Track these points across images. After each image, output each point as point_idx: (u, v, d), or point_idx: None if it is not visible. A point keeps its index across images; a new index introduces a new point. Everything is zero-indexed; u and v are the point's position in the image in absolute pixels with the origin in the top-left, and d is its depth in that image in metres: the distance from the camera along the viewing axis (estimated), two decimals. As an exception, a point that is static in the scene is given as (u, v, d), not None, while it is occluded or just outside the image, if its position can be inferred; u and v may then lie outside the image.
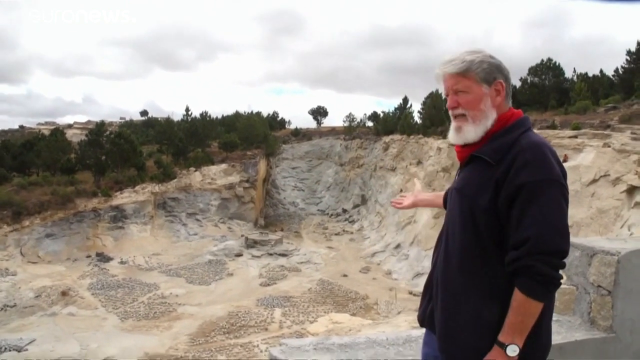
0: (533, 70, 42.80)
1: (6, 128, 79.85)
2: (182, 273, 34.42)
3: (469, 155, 1.72)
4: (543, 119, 33.50)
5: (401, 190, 39.56)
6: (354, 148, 62.80)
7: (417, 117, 49.96)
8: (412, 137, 45.41)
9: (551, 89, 41.16)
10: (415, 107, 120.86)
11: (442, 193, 2.28)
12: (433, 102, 42.92)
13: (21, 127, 79.60)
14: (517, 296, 1.52)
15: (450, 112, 1.78)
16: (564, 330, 2.31)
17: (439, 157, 37.22)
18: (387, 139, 52.60)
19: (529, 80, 42.69)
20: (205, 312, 27.47)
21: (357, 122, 74.34)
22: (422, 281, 16.05)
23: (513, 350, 1.51)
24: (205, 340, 24.05)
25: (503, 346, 1.52)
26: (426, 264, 30.17)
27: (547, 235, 1.50)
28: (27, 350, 21.36)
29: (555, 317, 2.58)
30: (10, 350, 21.30)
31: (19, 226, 34.05)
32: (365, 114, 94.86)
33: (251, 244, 41.96)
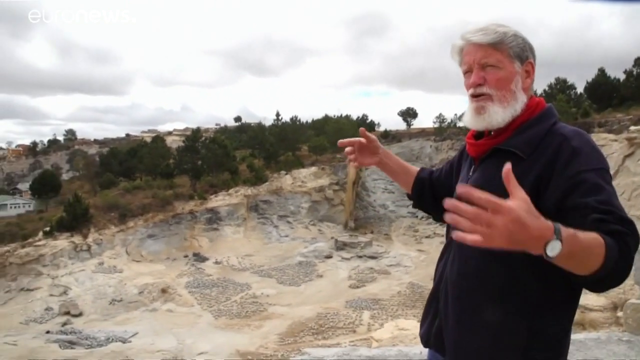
0: None
1: (114, 136, 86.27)
2: (273, 274, 35.21)
3: (492, 148, 1.46)
4: (653, 114, 30.81)
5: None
6: (444, 149, 61.18)
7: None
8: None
9: (662, 81, 37.75)
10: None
11: (413, 169, 1.96)
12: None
13: (127, 135, 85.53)
14: (598, 237, 1.16)
15: (470, 91, 1.49)
16: (634, 354, 2.02)
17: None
18: (479, 139, 50.78)
19: (634, 72, 39.30)
20: (295, 312, 27.91)
21: (448, 123, 72.53)
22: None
23: (552, 249, 1.08)
24: (294, 340, 24.44)
25: (557, 231, 1.08)
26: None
27: (626, 217, 1.23)
28: (130, 342, 22.83)
29: (626, 336, 2.25)
30: (116, 341, 22.88)
31: (124, 227, 36.57)
32: (455, 114, 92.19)
33: (341, 246, 42.14)
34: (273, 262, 37.94)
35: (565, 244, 1.08)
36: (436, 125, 72.23)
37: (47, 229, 35.05)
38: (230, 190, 43.80)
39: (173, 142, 64.30)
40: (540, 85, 40.65)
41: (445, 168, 1.89)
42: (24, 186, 64.61)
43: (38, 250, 32.82)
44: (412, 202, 2.00)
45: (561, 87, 40.18)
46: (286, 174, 48.44)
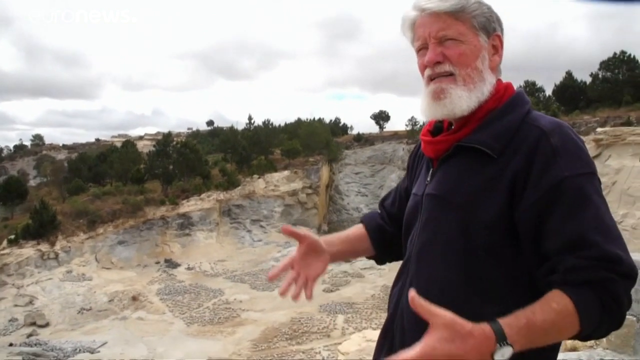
0: (605, 65, 40.14)
1: (84, 141, 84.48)
2: (247, 279, 34.93)
3: (453, 146, 1.19)
4: (617, 116, 31.68)
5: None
6: (418, 154, 61.85)
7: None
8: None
9: (625, 84, 38.67)
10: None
11: (360, 231, 1.53)
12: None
13: (97, 140, 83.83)
14: (565, 302, 0.98)
15: (426, 72, 1.22)
16: (620, 373, 1.89)
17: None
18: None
19: (600, 75, 40.26)
20: (268, 318, 27.70)
21: (420, 126, 73.15)
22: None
23: (502, 355, 0.92)
24: (267, 346, 24.23)
25: (500, 336, 0.92)
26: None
27: (615, 245, 1.01)
28: (99, 352, 22.35)
29: (610, 355, 2.13)
30: (84, 352, 22.34)
31: (94, 234, 35.79)
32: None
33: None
34: (246, 267, 37.64)
35: (517, 343, 0.93)
36: (408, 128, 72.81)
37: (12, 236, 34.02)
38: (203, 195, 43.31)
39: (144, 146, 63.35)
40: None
41: (399, 196, 1.52)
42: (-11, 193, 62.80)
43: (2, 259, 31.84)
44: (381, 262, 1.59)
45: (530, 89, 41.09)
46: (259, 178, 48.18)
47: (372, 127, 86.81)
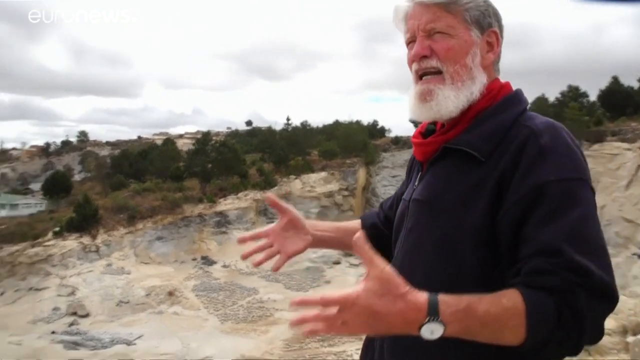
0: (656, 70, 38.98)
1: (126, 138, 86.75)
2: (281, 279, 35.08)
3: (441, 147, 1.12)
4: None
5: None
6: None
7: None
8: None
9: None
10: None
11: (355, 225, 1.50)
12: (538, 108, 40.49)
13: (139, 137, 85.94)
14: (516, 301, 0.89)
15: (413, 67, 1.16)
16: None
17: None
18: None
19: (651, 81, 38.92)
20: (301, 318, 27.75)
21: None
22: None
23: (431, 332, 0.86)
24: (299, 347, 24.28)
25: (432, 310, 0.86)
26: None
27: (589, 257, 0.91)
28: (135, 344, 22.83)
29: None
30: (120, 343, 22.88)
31: (133, 229, 36.64)
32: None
33: (349, 252, 41.88)
34: (281, 267, 37.78)
35: (450, 324, 0.86)
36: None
37: (57, 229, 35.21)
38: (240, 194, 43.79)
39: (184, 145, 64.52)
40: (552, 93, 40.30)
41: (396, 199, 1.47)
42: (36, 186, 65.13)
43: (47, 250, 32.97)
44: None
45: (573, 95, 39.81)
46: (296, 178, 48.36)
47: (409, 130, 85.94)
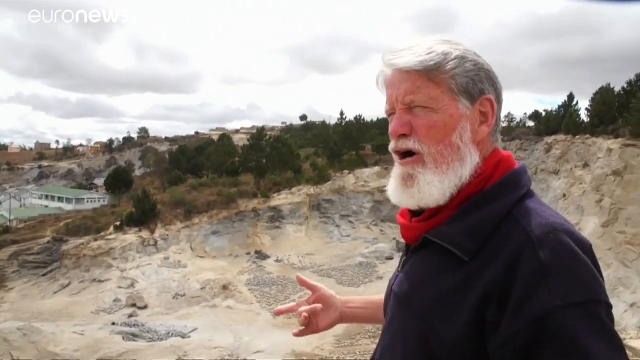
0: None
1: (184, 134, 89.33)
2: (333, 274, 35.10)
3: (421, 236, 0.95)
4: None
5: (564, 196, 36.01)
6: (513, 149, 58.80)
7: (583, 115, 45.23)
8: (578, 137, 41.24)
9: None
10: (582, 103, 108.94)
11: (379, 298, 1.34)
12: (602, 98, 38.53)
13: (196, 133, 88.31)
14: None
15: (392, 144, 0.98)
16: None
17: (609, 159, 33.23)
18: (549, 139, 48.50)
19: None
20: (353, 314, 27.65)
21: (517, 122, 69.90)
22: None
23: None
24: (350, 343, 24.20)
25: None
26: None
27: None
28: (189, 337, 23.35)
29: None
30: (176, 336, 23.47)
31: (190, 223, 37.61)
32: (525, 114, 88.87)
33: (402, 247, 41.28)
34: (334, 262, 37.81)
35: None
36: (504, 125, 69.81)
37: (118, 223, 36.61)
38: (293, 189, 44.10)
39: (240, 140, 65.62)
40: (619, 82, 38.16)
41: None
42: (100, 181, 68.20)
43: (109, 243, 34.33)
44: None
45: (643, 84, 37.53)
46: (349, 173, 48.22)
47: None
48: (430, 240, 0.92)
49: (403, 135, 0.94)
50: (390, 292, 1.05)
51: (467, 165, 0.91)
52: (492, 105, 0.93)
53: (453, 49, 0.92)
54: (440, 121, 0.91)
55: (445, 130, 0.91)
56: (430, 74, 0.91)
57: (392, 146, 0.98)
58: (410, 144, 0.93)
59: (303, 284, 1.38)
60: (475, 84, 0.92)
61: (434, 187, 0.91)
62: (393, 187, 1.01)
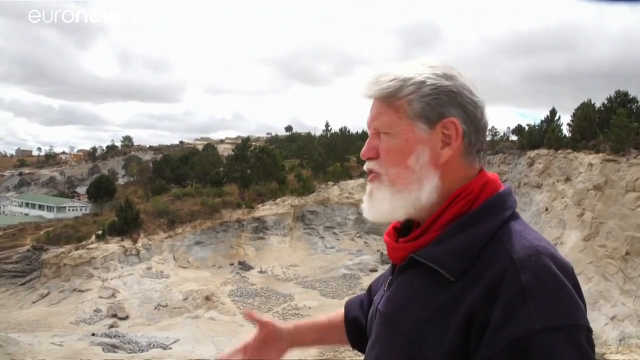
0: None
1: (168, 143, 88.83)
2: (317, 285, 34.99)
3: (407, 256, 0.95)
4: None
5: (547, 210, 36.43)
6: (496, 163, 59.60)
7: (565, 130, 45.97)
8: (560, 151, 41.88)
9: None
10: (564, 118, 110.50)
11: (338, 318, 1.35)
12: (584, 113, 39.21)
13: (181, 142, 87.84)
14: None
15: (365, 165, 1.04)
16: None
17: (590, 173, 33.77)
18: (532, 153, 49.20)
19: None
20: (336, 326, 27.59)
21: (500, 136, 70.72)
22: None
23: None
24: (334, 356, 24.05)
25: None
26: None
27: None
28: (171, 348, 23.07)
29: None
30: (157, 347, 23.17)
31: (173, 233, 37.32)
32: (508, 127, 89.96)
33: (386, 259, 41.45)
34: (317, 274, 37.72)
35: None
36: (487, 139, 70.44)
37: (100, 232, 36.17)
38: (278, 200, 44.02)
39: (225, 150, 65.45)
40: (598, 98, 38.93)
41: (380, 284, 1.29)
42: (82, 190, 67.42)
43: (90, 252, 33.88)
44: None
45: (621, 100, 38.19)
46: (334, 184, 48.30)
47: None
48: (417, 260, 0.93)
49: (370, 159, 0.99)
50: (375, 311, 1.04)
51: (425, 188, 0.93)
52: (455, 127, 0.93)
53: (416, 73, 0.94)
54: (396, 145, 0.95)
55: (402, 154, 0.94)
56: (387, 100, 0.95)
57: (365, 166, 1.03)
58: (371, 166, 0.99)
59: (251, 318, 1.30)
60: (432, 108, 0.93)
61: (386, 202, 0.96)
62: (363, 202, 1.04)
